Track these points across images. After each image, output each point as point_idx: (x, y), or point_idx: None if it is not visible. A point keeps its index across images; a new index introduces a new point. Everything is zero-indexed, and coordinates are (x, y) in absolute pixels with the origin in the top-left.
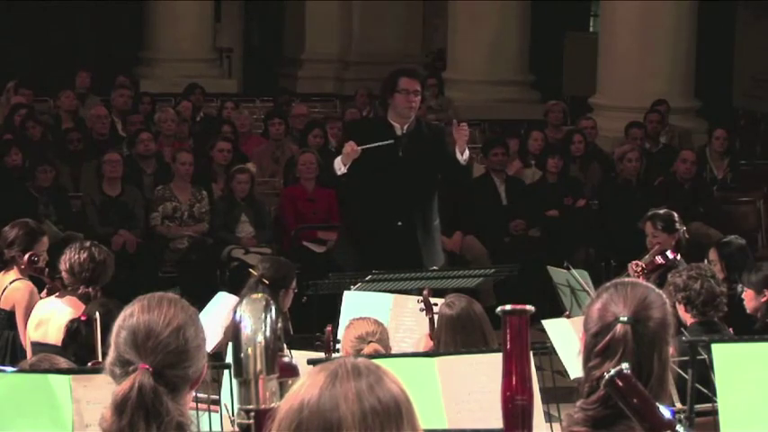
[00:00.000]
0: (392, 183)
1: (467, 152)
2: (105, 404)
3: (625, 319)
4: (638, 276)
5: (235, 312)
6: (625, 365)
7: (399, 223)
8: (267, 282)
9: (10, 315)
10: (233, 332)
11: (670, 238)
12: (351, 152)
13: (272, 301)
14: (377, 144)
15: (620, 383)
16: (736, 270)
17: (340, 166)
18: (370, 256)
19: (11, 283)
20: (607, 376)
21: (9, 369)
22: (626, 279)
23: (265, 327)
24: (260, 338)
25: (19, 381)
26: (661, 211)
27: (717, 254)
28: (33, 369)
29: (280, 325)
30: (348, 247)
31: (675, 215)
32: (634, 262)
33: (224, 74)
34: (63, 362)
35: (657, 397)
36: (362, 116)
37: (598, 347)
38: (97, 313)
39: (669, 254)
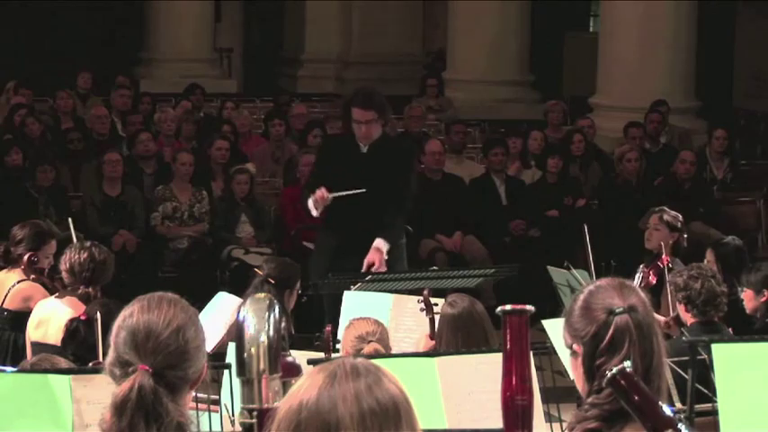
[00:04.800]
0: (357, 202)
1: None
2: (105, 404)
3: (621, 309)
4: None
5: (239, 312)
6: (627, 363)
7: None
8: (273, 281)
9: (14, 315)
10: (237, 331)
11: (669, 236)
12: (321, 200)
13: (276, 301)
14: (348, 192)
15: (622, 382)
16: (732, 271)
17: (312, 209)
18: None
19: (16, 283)
20: (609, 375)
21: (9, 369)
22: (591, 286)
23: (269, 326)
24: (263, 338)
25: (19, 381)
26: (671, 210)
27: (713, 255)
28: (33, 369)
29: (284, 325)
30: (321, 258)
31: (681, 218)
32: None
33: (224, 74)
34: (63, 362)
35: (658, 390)
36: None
37: (603, 345)
38: (98, 313)
39: (661, 263)
